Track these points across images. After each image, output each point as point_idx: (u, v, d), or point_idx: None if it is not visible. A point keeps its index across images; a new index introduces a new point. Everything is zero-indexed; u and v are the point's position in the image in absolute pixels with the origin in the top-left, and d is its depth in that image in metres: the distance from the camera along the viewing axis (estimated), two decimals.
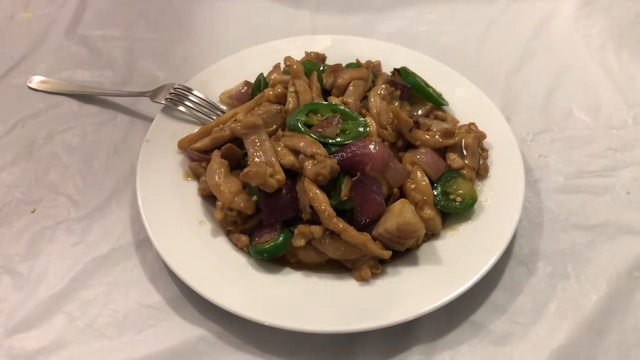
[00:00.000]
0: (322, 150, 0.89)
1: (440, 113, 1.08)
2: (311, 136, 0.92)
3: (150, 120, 1.08)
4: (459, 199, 0.94)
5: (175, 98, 1.09)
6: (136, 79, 1.25)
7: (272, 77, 1.10)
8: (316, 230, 0.87)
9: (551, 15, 1.42)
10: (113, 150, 1.10)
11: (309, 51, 1.16)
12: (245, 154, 0.93)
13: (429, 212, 0.91)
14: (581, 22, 1.40)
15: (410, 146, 1.00)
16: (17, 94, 1.21)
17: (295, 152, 0.91)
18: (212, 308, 0.84)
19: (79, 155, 1.09)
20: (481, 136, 1.03)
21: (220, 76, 1.15)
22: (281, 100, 1.02)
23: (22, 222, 0.99)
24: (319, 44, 1.21)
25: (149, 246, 0.94)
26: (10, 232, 0.97)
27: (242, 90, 1.11)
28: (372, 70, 1.12)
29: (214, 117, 1.07)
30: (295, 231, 0.88)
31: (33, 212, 1.00)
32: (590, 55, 1.32)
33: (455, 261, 0.88)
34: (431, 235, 0.93)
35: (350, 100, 1.01)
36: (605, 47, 1.34)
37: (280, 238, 0.88)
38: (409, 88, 1.07)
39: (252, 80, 1.11)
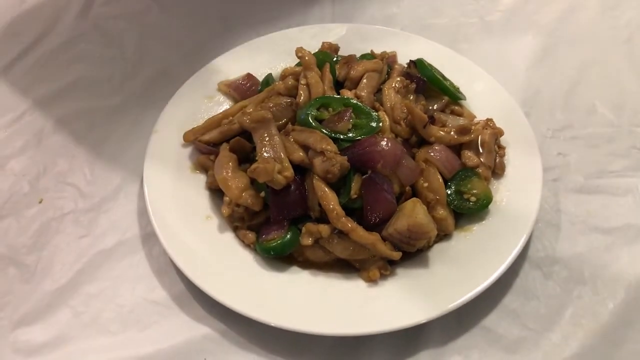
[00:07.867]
0: (332, 147, 0.87)
1: (456, 108, 1.04)
2: (322, 131, 0.89)
3: (159, 110, 1.05)
4: (473, 198, 0.91)
5: None
6: (147, 65, 1.22)
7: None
8: (324, 229, 0.84)
9: (576, 6, 1.36)
10: (122, 140, 1.09)
11: (322, 40, 1.12)
12: (255, 148, 0.91)
13: (441, 212, 0.88)
14: (608, 13, 1.33)
15: (424, 142, 0.96)
16: (28, 80, 1.20)
17: (305, 147, 0.89)
18: (217, 306, 0.82)
19: (88, 144, 1.08)
20: (498, 133, 0.99)
21: (232, 64, 1.12)
22: (292, 92, 0.99)
23: (30, 212, 0.98)
24: (333, 33, 1.17)
25: (155, 240, 0.92)
26: (18, 222, 0.97)
27: (242, 82, 1.07)
28: (387, 61, 1.08)
29: None
30: (303, 229, 0.86)
31: (40, 202, 0.99)
32: (616, 48, 1.26)
33: (467, 263, 0.86)
34: (443, 236, 0.90)
35: (363, 94, 0.98)
36: (632, 39, 1.27)
37: (288, 236, 0.86)
38: (425, 81, 1.03)
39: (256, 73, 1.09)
